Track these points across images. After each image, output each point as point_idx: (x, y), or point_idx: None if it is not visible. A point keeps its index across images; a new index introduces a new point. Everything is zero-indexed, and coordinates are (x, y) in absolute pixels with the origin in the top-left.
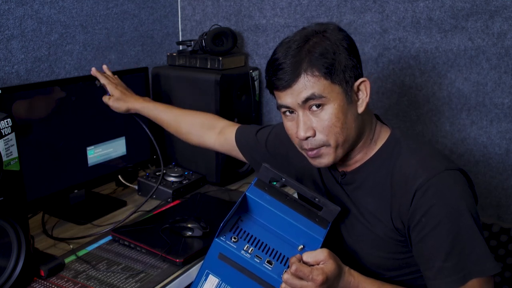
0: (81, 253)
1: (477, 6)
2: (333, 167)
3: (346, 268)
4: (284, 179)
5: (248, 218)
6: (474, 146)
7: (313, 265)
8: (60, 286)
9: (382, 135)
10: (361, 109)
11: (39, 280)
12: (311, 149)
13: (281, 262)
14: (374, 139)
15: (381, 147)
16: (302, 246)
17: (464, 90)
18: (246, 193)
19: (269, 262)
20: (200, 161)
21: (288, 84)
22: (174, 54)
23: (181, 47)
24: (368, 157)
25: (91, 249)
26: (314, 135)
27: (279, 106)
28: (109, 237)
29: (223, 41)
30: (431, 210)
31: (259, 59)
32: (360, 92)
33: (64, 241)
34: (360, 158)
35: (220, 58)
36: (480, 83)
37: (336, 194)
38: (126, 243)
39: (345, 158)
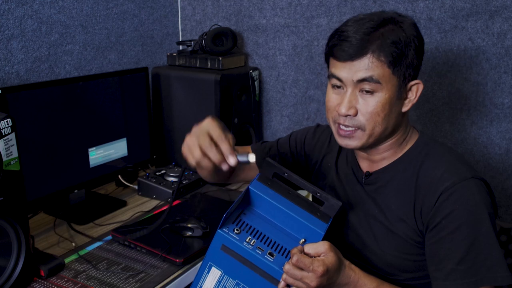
0: (81, 253)
1: (477, 6)
2: (356, 167)
3: (347, 262)
4: (286, 174)
5: (251, 211)
6: (474, 146)
7: (314, 257)
8: (60, 286)
9: (412, 138)
10: (405, 108)
11: (39, 280)
12: (346, 127)
13: (282, 255)
14: (406, 140)
15: (410, 148)
16: (303, 240)
17: (464, 90)
18: (249, 187)
19: (270, 254)
20: None
21: (351, 58)
22: (174, 54)
23: (181, 47)
24: (396, 157)
25: (91, 249)
26: (355, 115)
27: (331, 76)
28: (109, 237)
29: (223, 41)
30: (452, 214)
31: (259, 59)
32: (410, 92)
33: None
34: (387, 156)
35: (220, 58)
36: (480, 83)
37: (355, 195)
38: (126, 243)
39: (373, 152)
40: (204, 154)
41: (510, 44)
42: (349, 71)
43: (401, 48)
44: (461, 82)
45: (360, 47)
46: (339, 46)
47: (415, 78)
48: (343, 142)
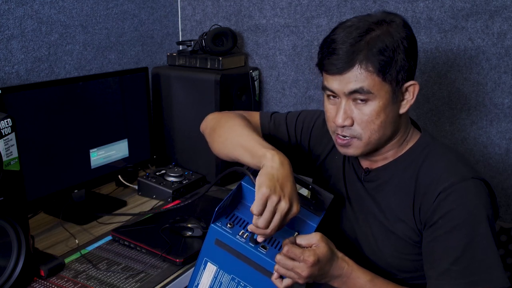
0: (83, 252)
1: (477, 6)
2: (357, 163)
3: (340, 254)
4: None
5: (244, 206)
6: (474, 146)
7: (306, 248)
8: (60, 286)
9: (413, 137)
10: (403, 110)
11: (39, 280)
12: (343, 137)
13: (275, 248)
14: (406, 139)
15: (411, 147)
16: (296, 233)
17: (464, 90)
18: (242, 182)
19: (263, 247)
20: (200, 161)
21: (339, 72)
22: (174, 54)
23: (181, 47)
24: (397, 156)
25: (91, 249)
26: (351, 125)
27: (325, 88)
28: (109, 237)
29: (223, 41)
30: (450, 214)
31: (259, 59)
32: (407, 93)
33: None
34: (388, 156)
35: (220, 58)
36: (480, 83)
37: (355, 192)
38: (126, 243)
39: (374, 153)
40: (268, 221)
41: (510, 44)
42: (340, 83)
43: (389, 55)
44: (461, 82)
45: (347, 60)
46: (328, 59)
47: (411, 79)
48: (342, 150)
